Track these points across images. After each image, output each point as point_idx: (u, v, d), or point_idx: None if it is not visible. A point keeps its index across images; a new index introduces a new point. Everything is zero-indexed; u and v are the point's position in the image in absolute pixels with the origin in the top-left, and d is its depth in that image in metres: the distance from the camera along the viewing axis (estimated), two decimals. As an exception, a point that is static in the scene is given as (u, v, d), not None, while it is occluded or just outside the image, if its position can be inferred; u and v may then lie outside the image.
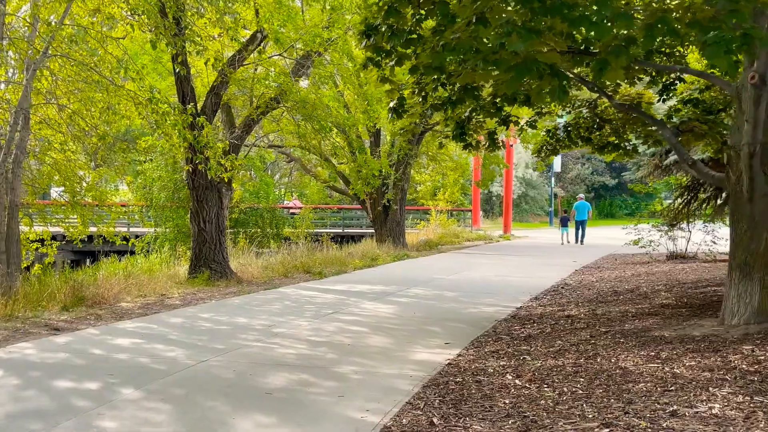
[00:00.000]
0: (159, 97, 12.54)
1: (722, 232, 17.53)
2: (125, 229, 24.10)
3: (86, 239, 16.17)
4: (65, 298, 10.60)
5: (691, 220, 16.71)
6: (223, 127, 16.92)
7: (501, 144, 10.34)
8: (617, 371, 5.86)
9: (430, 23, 7.06)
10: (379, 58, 7.40)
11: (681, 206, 15.75)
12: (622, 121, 11.19)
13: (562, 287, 12.97)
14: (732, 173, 7.06)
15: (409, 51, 6.76)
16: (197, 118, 13.05)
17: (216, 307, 10.63)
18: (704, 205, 15.74)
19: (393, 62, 6.83)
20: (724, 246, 17.31)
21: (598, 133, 11.29)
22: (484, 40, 5.42)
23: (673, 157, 13.94)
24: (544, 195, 51.14)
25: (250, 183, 21.44)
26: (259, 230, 23.80)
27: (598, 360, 6.34)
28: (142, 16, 12.50)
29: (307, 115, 15.62)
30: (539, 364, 6.45)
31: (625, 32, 5.22)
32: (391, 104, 8.86)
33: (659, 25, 4.90)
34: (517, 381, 5.89)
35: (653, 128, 11.07)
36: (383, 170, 18.38)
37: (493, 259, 19.82)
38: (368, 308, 10.53)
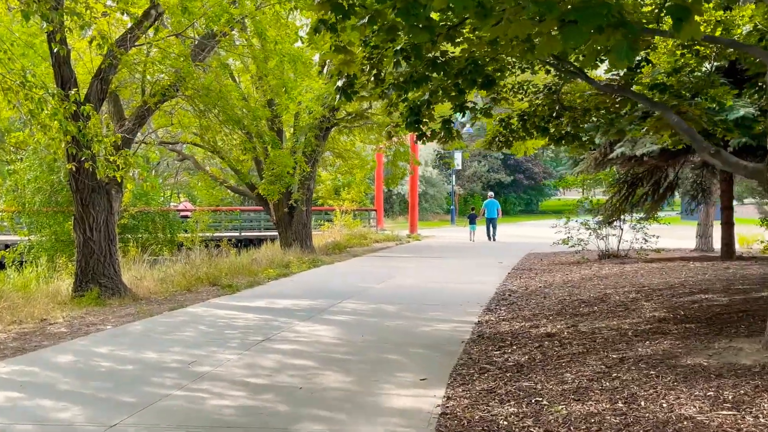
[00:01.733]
0: (34, 81, 10.37)
1: (652, 229, 16.87)
2: (-7, 239, 21.17)
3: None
4: None
5: (625, 216, 15.88)
6: (111, 120, 14.64)
7: (456, 133, 8.87)
8: (685, 423, 4.45)
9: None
10: (336, 19, 5.73)
11: (618, 202, 14.86)
12: (583, 110, 10.01)
13: (509, 294, 11.67)
14: (778, 163, 5.84)
15: (383, 6, 5.11)
16: (82, 107, 10.93)
17: (114, 337, 8.60)
18: (641, 201, 14.96)
19: (365, 20, 5.16)
20: (655, 243, 16.72)
21: (556, 122, 10.04)
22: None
23: (619, 150, 12.98)
24: (443, 193, 50.44)
25: (145, 183, 19.12)
26: (150, 236, 21.43)
27: (643, 404, 4.93)
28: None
29: (211, 104, 13.64)
30: (564, 412, 4.97)
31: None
32: (339, 83, 7.22)
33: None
34: (553, 442, 4.39)
35: (622, 114, 9.97)
36: (300, 167, 16.59)
37: (414, 263, 18.41)
38: (304, 332, 8.79)
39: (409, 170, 26.30)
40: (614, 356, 6.33)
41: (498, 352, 7.18)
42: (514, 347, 7.35)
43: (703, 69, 10.39)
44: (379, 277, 14.80)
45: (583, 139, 10.50)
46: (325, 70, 21.48)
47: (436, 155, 48.83)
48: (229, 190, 24.88)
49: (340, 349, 7.70)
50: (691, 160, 14.02)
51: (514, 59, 9.19)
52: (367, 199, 38.32)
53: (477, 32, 6.66)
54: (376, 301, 11.23)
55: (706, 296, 8.96)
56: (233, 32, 13.31)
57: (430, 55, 6.96)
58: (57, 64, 12.07)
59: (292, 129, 21.47)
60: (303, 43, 13.22)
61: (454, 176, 46.34)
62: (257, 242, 26.15)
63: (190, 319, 9.87)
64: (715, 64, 10.71)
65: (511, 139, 10.42)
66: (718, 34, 10.01)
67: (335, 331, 8.82)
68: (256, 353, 7.51)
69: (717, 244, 19.41)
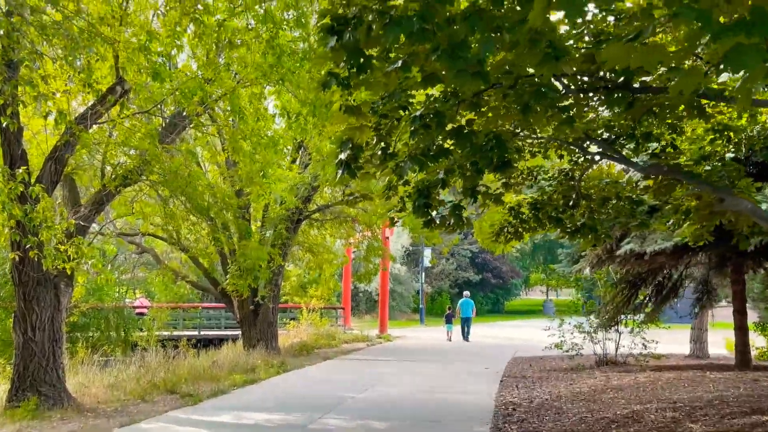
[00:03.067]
0: (-27, 158, 9.07)
1: (650, 334, 15.67)
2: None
3: None
4: None
5: (627, 319, 14.69)
6: (65, 206, 13.21)
7: (466, 221, 7.69)
8: None
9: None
10: (349, 73, 4.60)
11: (621, 302, 13.72)
12: (601, 199, 8.96)
13: (513, 409, 10.23)
14: None
15: (419, 48, 3.97)
16: (31, 188, 9.59)
17: (49, 465, 6.96)
18: (644, 303, 13.86)
19: (398, 64, 4.02)
20: (654, 349, 15.50)
21: (570, 212, 8.96)
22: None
23: (627, 246, 11.95)
24: (411, 291, 48.95)
25: (99, 277, 17.47)
26: (102, 335, 19.59)
27: None
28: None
29: (178, 191, 12.35)
30: None
31: None
32: (342, 156, 6.01)
33: None
34: None
35: (642, 207, 8.94)
36: (274, 261, 15.24)
37: (393, 367, 16.86)
38: (285, 458, 7.26)
39: (382, 266, 25.06)
40: (698, 503, 4.96)
41: (534, 491, 5.75)
42: (553, 484, 5.93)
43: (727, 158, 9.52)
44: (358, 384, 13.23)
45: (598, 231, 9.42)
46: (298, 161, 20.48)
47: (405, 252, 47.64)
48: (190, 286, 23.29)
49: (334, 485, 6.19)
50: (698, 260, 13.06)
51: (528, 140, 8.20)
52: (334, 296, 36.79)
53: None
54: (362, 416, 9.69)
55: (766, 418, 7.69)
56: (207, 111, 12.16)
57: (451, 125, 5.86)
58: (6, 142, 10.72)
59: (259, 222, 20.21)
60: (283, 120, 12.15)
61: (422, 274, 45.05)
62: (217, 342, 24.33)
63: (144, 439, 8.25)
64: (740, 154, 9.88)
65: (521, 230, 9.31)
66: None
67: (323, 457, 7.30)
68: (229, 491, 5.96)
69: (711, 349, 18.39)
